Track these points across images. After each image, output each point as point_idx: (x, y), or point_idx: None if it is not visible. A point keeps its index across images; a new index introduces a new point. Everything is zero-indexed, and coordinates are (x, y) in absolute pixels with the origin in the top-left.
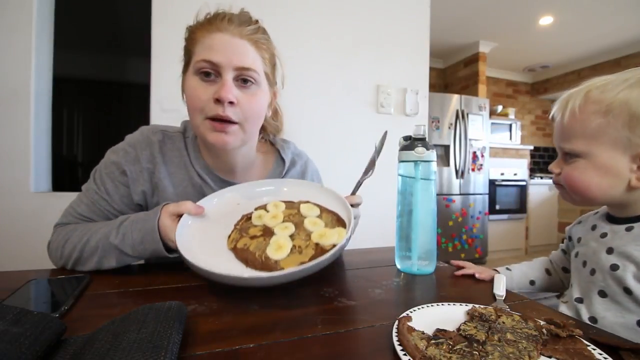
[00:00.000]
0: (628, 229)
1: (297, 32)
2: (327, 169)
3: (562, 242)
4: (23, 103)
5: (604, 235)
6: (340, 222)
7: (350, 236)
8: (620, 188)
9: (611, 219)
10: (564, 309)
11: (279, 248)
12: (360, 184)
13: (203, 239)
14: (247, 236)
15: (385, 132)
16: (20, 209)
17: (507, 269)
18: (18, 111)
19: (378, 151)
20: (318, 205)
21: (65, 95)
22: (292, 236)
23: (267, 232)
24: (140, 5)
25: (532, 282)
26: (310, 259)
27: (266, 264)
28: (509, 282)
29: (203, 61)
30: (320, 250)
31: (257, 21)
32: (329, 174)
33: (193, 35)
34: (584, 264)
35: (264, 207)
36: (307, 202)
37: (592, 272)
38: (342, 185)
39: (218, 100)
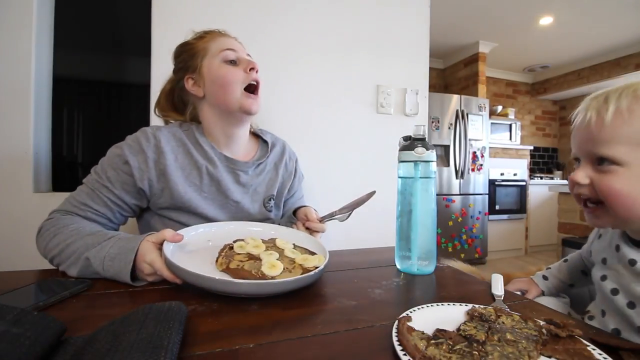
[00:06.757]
0: None
1: (297, 32)
2: (327, 169)
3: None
4: (23, 103)
5: (633, 262)
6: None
7: (326, 263)
8: None
9: (633, 241)
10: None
11: (272, 267)
12: (331, 219)
13: (190, 265)
14: (235, 261)
15: (373, 192)
16: (20, 209)
17: (544, 277)
18: (18, 111)
19: (358, 203)
20: (290, 243)
21: (65, 95)
22: (278, 260)
23: (253, 259)
24: (140, 5)
25: (571, 286)
26: None
27: (264, 279)
28: (547, 292)
29: (228, 50)
30: (306, 271)
31: None
32: (328, 174)
33: (199, 43)
34: (615, 291)
35: (242, 240)
36: (276, 238)
37: (631, 305)
38: (340, 186)
39: (252, 69)
